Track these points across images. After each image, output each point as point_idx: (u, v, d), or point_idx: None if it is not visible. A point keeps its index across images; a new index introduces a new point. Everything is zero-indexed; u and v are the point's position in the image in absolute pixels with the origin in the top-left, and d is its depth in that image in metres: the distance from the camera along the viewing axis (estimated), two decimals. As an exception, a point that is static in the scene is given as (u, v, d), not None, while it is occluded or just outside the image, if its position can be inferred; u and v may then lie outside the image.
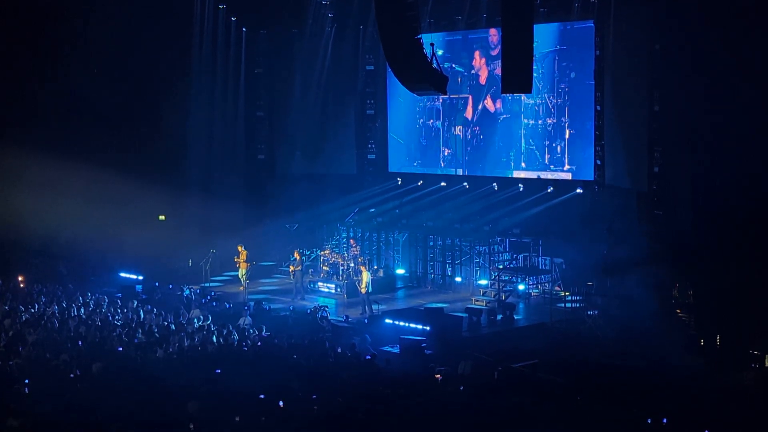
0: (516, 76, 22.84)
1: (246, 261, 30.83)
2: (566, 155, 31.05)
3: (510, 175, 32.73)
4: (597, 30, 29.54)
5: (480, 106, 33.40)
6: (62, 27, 31.49)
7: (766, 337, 21.87)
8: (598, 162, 29.95)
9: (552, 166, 31.47)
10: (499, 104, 32.78)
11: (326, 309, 26.73)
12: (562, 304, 27.86)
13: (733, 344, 22.58)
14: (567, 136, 30.98)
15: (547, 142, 31.65)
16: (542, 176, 31.78)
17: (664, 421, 15.95)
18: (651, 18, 26.78)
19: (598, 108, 29.77)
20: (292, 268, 30.57)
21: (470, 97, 33.70)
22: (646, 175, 27.41)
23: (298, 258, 30.55)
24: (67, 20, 31.57)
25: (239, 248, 31.05)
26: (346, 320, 26.41)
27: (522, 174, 32.35)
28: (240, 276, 31.06)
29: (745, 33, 23.85)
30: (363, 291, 28.32)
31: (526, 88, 23.42)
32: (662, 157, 26.83)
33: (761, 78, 23.51)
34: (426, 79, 23.36)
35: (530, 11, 22.65)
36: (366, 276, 28.47)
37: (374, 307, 27.56)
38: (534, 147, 31.96)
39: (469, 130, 33.75)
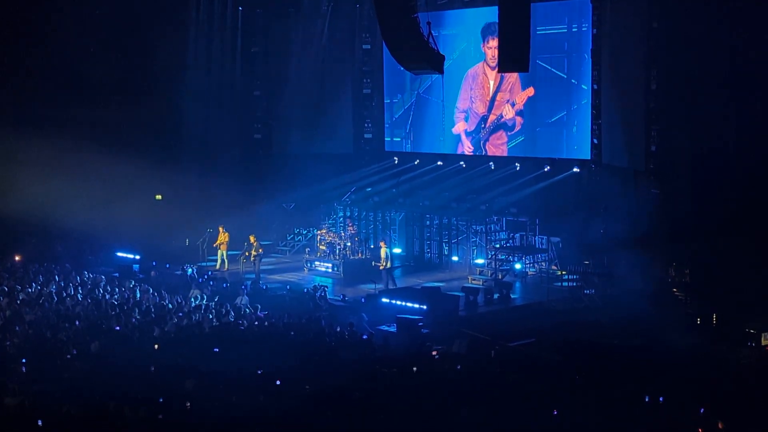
0: (512, 55, 22.79)
1: (226, 243, 30.85)
2: (579, 135, 30.80)
3: (521, 155, 32.52)
4: (594, 8, 29.42)
5: (491, 84, 33.19)
6: (55, 2, 31.33)
7: (762, 315, 21.92)
8: (595, 141, 29.91)
9: (566, 145, 31.30)
10: (510, 83, 32.47)
11: (325, 289, 26.79)
12: (559, 283, 27.89)
13: (730, 322, 22.63)
14: (581, 115, 30.76)
15: (560, 121, 31.43)
16: (556, 156, 31.53)
17: (661, 399, 15.99)
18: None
19: (595, 87, 29.69)
20: (253, 252, 30.30)
21: (480, 75, 33.50)
22: (643, 154, 27.39)
23: (254, 242, 30.40)
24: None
25: (220, 229, 31.06)
26: (343, 299, 26.45)
27: (540, 153, 32.01)
28: (219, 257, 31.03)
29: (743, 11, 23.82)
30: (382, 267, 28.49)
31: (523, 67, 23.36)
32: (659, 135, 26.80)
33: (760, 56, 23.49)
34: (422, 57, 23.31)
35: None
36: (384, 251, 28.66)
37: (371, 286, 27.54)
38: (546, 127, 31.79)
39: (480, 110, 33.55)
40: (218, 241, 31.08)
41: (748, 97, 24.17)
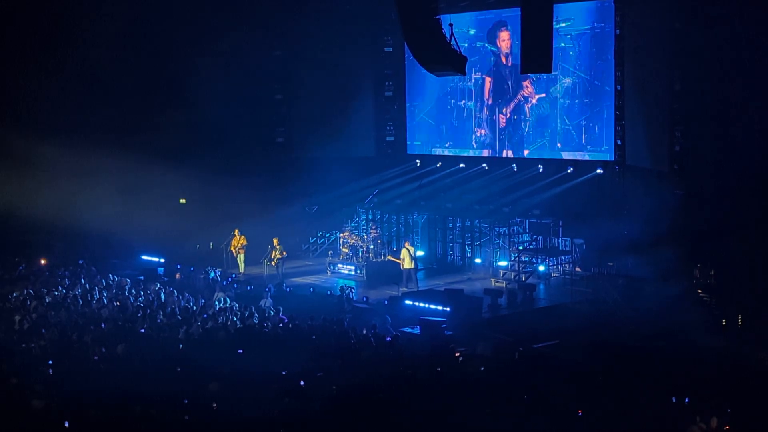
0: (535, 56, 22.76)
1: (243, 246, 31.03)
2: (604, 135, 30.70)
3: (545, 156, 32.42)
4: (617, 8, 29.34)
5: (513, 86, 33.19)
6: (79, 6, 31.50)
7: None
8: (619, 142, 29.80)
9: (589, 146, 31.18)
10: (533, 84, 32.50)
11: (352, 289, 26.91)
12: (583, 286, 27.81)
13: (755, 324, 22.50)
14: (605, 115, 30.54)
15: (584, 122, 31.34)
16: (579, 157, 31.40)
17: (686, 400, 15.93)
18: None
19: (618, 88, 29.60)
20: (275, 254, 30.49)
21: (503, 77, 33.48)
22: (666, 155, 27.28)
23: (277, 245, 30.55)
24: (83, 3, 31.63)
25: (235, 233, 31.15)
26: (367, 301, 26.48)
27: (564, 154, 31.88)
28: (239, 261, 31.16)
29: (763, 10, 23.67)
30: (407, 267, 28.64)
31: (546, 68, 23.32)
32: (683, 136, 26.68)
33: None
34: (445, 59, 23.31)
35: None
36: (406, 252, 28.82)
37: (397, 289, 27.57)
38: (570, 127, 31.75)
39: (504, 111, 33.54)
40: (234, 245, 31.20)
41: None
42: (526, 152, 32.97)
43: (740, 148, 24.69)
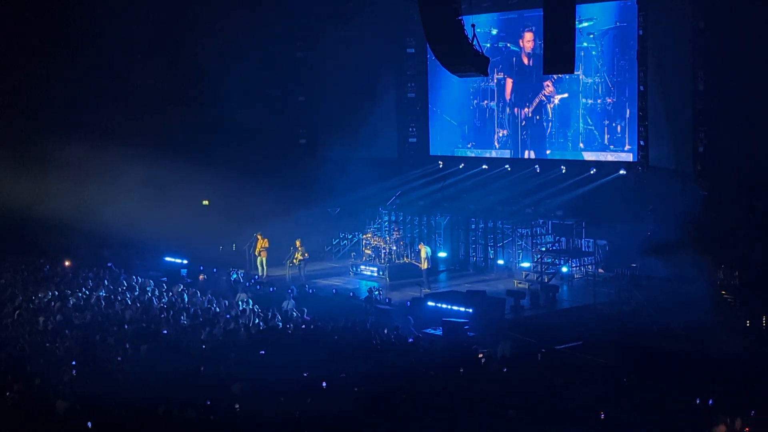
0: (558, 56, 22.69)
1: (265, 249, 31.03)
2: (627, 135, 30.64)
3: (567, 157, 32.34)
4: (640, 8, 29.23)
5: (535, 86, 33.11)
6: (106, 8, 31.67)
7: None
8: (642, 143, 29.68)
9: (612, 146, 31.12)
10: (555, 84, 32.42)
11: (381, 291, 26.97)
12: (606, 287, 27.70)
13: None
14: (628, 115, 30.55)
15: (606, 122, 31.25)
16: (602, 157, 31.33)
17: (710, 402, 15.83)
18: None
19: (641, 88, 29.48)
20: (298, 256, 30.58)
21: (526, 77, 33.41)
22: (690, 155, 27.14)
23: (300, 246, 30.62)
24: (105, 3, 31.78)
25: (258, 236, 31.25)
26: (389, 303, 26.48)
27: (586, 155, 31.86)
28: (259, 264, 31.20)
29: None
30: (423, 267, 28.78)
31: (569, 68, 23.24)
32: (707, 137, 26.53)
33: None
34: (467, 60, 23.27)
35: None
36: (424, 252, 28.98)
37: (417, 289, 27.61)
38: (593, 127, 31.64)
39: (526, 111, 33.49)
40: (257, 248, 31.27)
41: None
42: (548, 152, 32.89)
43: (764, 149, 24.53)
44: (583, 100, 31.75)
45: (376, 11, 34.25)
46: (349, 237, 34.54)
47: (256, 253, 31.30)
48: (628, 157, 30.48)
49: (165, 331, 21.28)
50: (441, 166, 36.08)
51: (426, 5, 22.92)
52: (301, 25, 34.82)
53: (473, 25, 23.05)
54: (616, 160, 30.86)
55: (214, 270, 30.08)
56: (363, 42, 34.74)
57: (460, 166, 35.32)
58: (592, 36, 31.01)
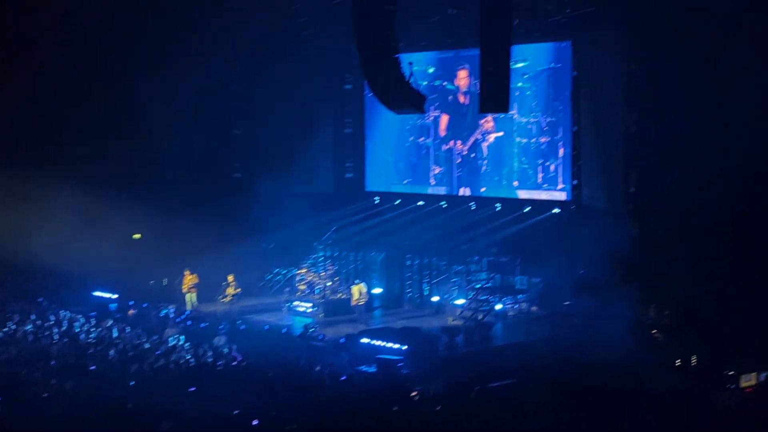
0: (493, 95, 22.89)
1: (194, 285, 30.70)
2: (560, 174, 30.96)
3: (502, 195, 32.57)
4: (574, 50, 29.67)
5: (471, 124, 33.33)
6: (35, 35, 31.24)
7: (741, 357, 21.90)
8: (575, 182, 30.01)
9: (546, 185, 31.40)
10: (491, 122, 32.70)
11: (317, 328, 26.77)
12: (539, 325, 27.83)
13: (709, 364, 22.60)
14: (561, 154, 30.89)
15: (540, 161, 31.55)
16: (535, 196, 31.60)
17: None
18: (627, 38, 26.94)
19: (575, 128, 29.86)
20: (230, 291, 30.31)
21: (461, 115, 33.63)
22: (622, 195, 27.51)
23: (232, 281, 30.36)
24: (37, 29, 31.32)
25: (186, 272, 30.90)
26: (323, 339, 26.30)
27: (520, 193, 32.10)
28: (188, 300, 30.80)
29: (719, 54, 24.05)
30: (357, 303, 29.03)
31: (503, 107, 23.46)
32: (638, 177, 26.93)
33: (737, 98, 23.70)
34: (405, 97, 23.37)
35: (507, 30, 22.69)
36: (357, 290, 29.15)
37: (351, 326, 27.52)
38: (527, 166, 31.91)
39: (462, 148, 33.67)
40: (185, 285, 30.86)
41: (726, 139, 24.33)
42: (483, 190, 33.09)
43: (694, 190, 24.96)
44: (518, 139, 32.04)
45: (315, 47, 34.27)
46: (283, 272, 34.29)
47: (184, 290, 30.88)
48: (562, 195, 30.80)
49: (93, 367, 20.86)
50: (377, 201, 36.08)
51: (364, 43, 23.00)
52: (239, 57, 34.66)
53: (410, 63, 23.17)
54: (549, 198, 31.15)
55: (145, 305, 29.63)
56: (301, 76, 34.68)
57: (396, 202, 35.36)
58: (526, 76, 31.36)
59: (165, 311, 28.73)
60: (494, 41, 22.60)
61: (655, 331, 25.60)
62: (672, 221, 25.75)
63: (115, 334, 24.82)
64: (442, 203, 34.06)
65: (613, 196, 28.10)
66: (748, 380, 20.86)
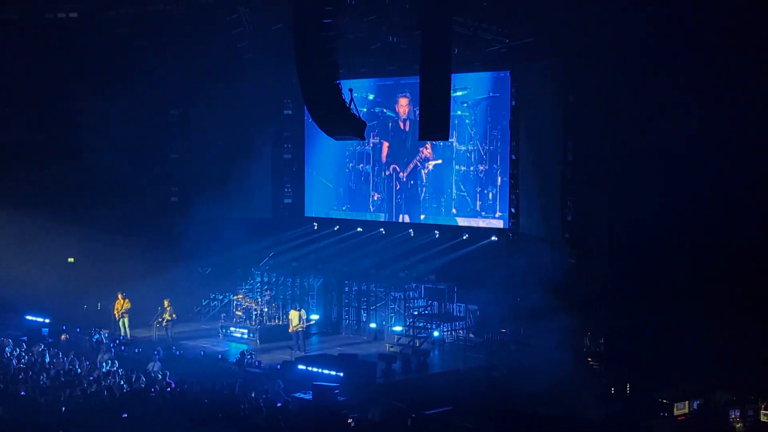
0: (433, 123, 23.02)
1: (127, 310, 30.33)
2: (498, 202, 31.16)
3: (441, 222, 32.63)
4: (513, 80, 29.99)
5: (410, 152, 33.46)
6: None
7: (674, 385, 22.17)
8: (513, 210, 30.25)
9: (483, 213, 31.57)
10: (430, 149, 32.84)
11: (253, 355, 26.56)
12: (476, 352, 27.93)
13: (643, 393, 22.83)
14: (499, 182, 31.11)
15: (478, 189, 31.73)
16: (473, 223, 31.75)
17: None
18: (564, 70, 27.30)
19: (513, 157, 30.13)
20: (166, 316, 30.02)
21: (401, 142, 33.75)
22: (559, 224, 27.77)
23: (168, 306, 30.11)
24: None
25: (119, 296, 30.52)
26: (259, 366, 26.09)
27: (459, 220, 32.15)
28: (121, 325, 30.40)
29: (654, 85, 24.48)
30: (296, 329, 28.82)
31: (443, 135, 23.60)
32: (575, 206, 27.22)
33: (671, 127, 24.11)
34: (344, 124, 23.40)
35: (447, 59, 22.87)
36: (295, 315, 29.01)
37: (288, 352, 27.35)
38: (465, 193, 32.07)
39: (401, 175, 33.76)
40: (117, 309, 30.43)
41: (661, 168, 24.72)
42: (422, 217, 33.18)
43: (630, 220, 25.29)
44: (457, 167, 32.23)
45: (255, 71, 34.16)
46: (220, 298, 34.00)
47: (116, 315, 30.44)
48: (499, 223, 31.01)
49: (23, 393, 20.45)
50: (316, 227, 35.95)
51: (304, 68, 23.01)
52: (178, 81, 34.43)
53: (351, 90, 23.21)
54: (487, 226, 31.33)
55: (78, 330, 29.15)
56: (240, 101, 34.49)
57: (335, 228, 35.27)
58: (465, 105, 31.59)
59: (97, 336, 28.26)
60: (434, 69, 22.76)
61: (590, 359, 25.83)
62: (607, 250, 26.04)
63: (47, 359, 24.36)
64: (381, 230, 34.04)
65: (550, 224, 28.35)
66: (681, 409, 21.11)
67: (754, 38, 22.82)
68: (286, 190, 36.89)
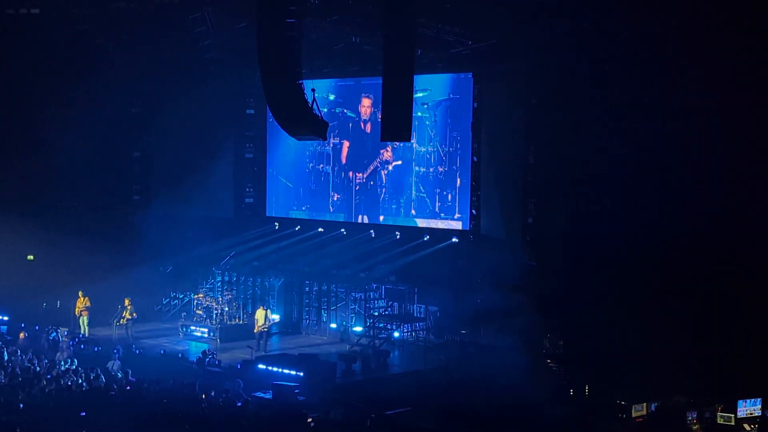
0: (395, 124, 23.07)
1: (86, 308, 30.16)
2: (457, 203, 31.30)
3: (399, 223, 32.75)
4: (476, 82, 30.12)
5: (371, 152, 33.51)
6: None
7: (632, 387, 22.38)
8: (474, 212, 30.40)
9: (443, 214, 31.69)
10: (390, 151, 32.94)
11: (215, 354, 26.47)
12: (436, 353, 28.03)
13: (601, 394, 23.04)
14: (458, 184, 31.25)
15: (438, 190, 31.87)
16: (432, 224, 31.86)
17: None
18: (527, 73, 27.47)
19: (475, 159, 30.27)
20: (126, 315, 29.88)
21: (362, 143, 33.79)
22: (520, 226, 27.94)
23: (128, 305, 29.98)
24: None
25: (79, 294, 30.36)
26: (219, 365, 26.03)
27: (418, 221, 32.32)
28: (81, 323, 30.22)
29: (617, 90, 24.74)
30: (261, 329, 28.84)
31: (405, 137, 23.66)
32: (536, 208, 27.40)
33: (631, 133, 24.38)
34: (306, 124, 23.38)
35: (410, 60, 22.92)
36: (261, 314, 28.99)
37: (248, 351, 27.30)
38: (425, 194, 32.18)
39: (361, 176, 33.81)
40: (78, 307, 30.26)
41: (623, 170, 24.97)
42: (381, 218, 33.27)
43: (590, 222, 25.51)
44: (416, 168, 32.35)
45: (218, 70, 34.05)
46: (180, 297, 33.88)
47: (76, 313, 30.27)
48: (458, 225, 31.16)
49: (-20, 391, 20.29)
50: (277, 227, 35.91)
51: (267, 68, 22.95)
52: (140, 80, 34.22)
53: (313, 90, 23.21)
54: (446, 227, 31.46)
55: (36, 327, 28.92)
56: (202, 100, 34.32)
57: (296, 228, 35.24)
58: (426, 106, 31.70)
59: (54, 334, 28.04)
60: (397, 71, 22.81)
61: (549, 360, 26.01)
62: (567, 252, 26.24)
63: (5, 357, 24.16)
64: (342, 230, 34.07)
65: (511, 226, 28.53)
66: (639, 410, 21.32)
67: (713, 41, 23.15)
68: (247, 189, 36.85)
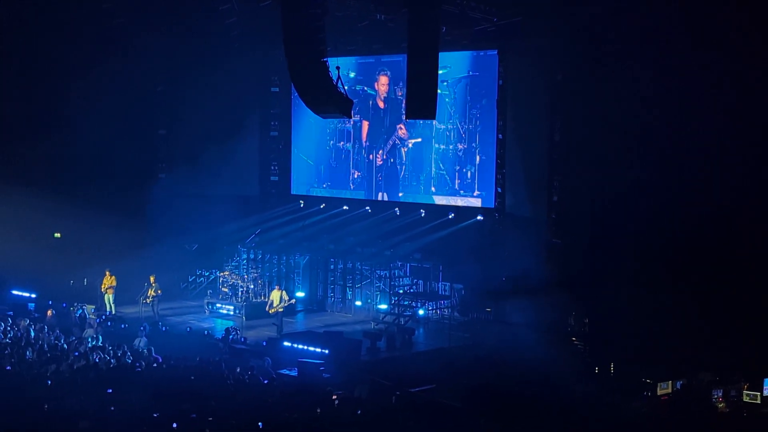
0: (420, 102, 23.03)
1: (112, 287, 30.37)
2: (476, 181, 31.25)
3: (419, 200, 32.70)
4: (501, 59, 29.96)
5: (389, 130, 33.48)
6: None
7: (658, 365, 22.33)
8: (499, 190, 30.32)
9: (462, 191, 31.65)
10: (405, 128, 32.88)
11: (238, 331, 26.59)
12: (461, 330, 28.05)
13: (627, 372, 23.00)
14: (477, 161, 31.18)
15: (457, 168, 31.81)
16: (452, 202, 31.84)
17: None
18: (553, 49, 27.30)
19: (500, 136, 30.15)
20: (151, 292, 30.01)
21: (380, 120, 33.75)
22: (545, 204, 27.87)
23: (153, 283, 30.12)
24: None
25: (107, 272, 30.55)
26: (245, 342, 26.17)
27: (437, 198, 32.28)
28: (106, 301, 30.46)
29: (640, 66, 24.54)
30: (276, 310, 28.52)
31: (430, 114, 23.62)
32: (561, 186, 27.30)
33: (659, 107, 24.18)
34: (331, 102, 23.40)
35: (435, 38, 22.88)
36: (276, 295, 28.72)
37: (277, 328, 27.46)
38: (444, 172, 32.13)
39: (380, 153, 33.80)
40: (104, 285, 30.47)
41: (648, 150, 24.80)
42: (400, 195, 33.24)
43: (616, 200, 25.40)
44: (436, 146, 32.29)
45: (243, 48, 34.08)
46: (206, 274, 34.04)
47: (102, 291, 30.49)
48: (477, 202, 31.13)
49: (8, 367, 20.47)
50: (302, 205, 35.97)
51: (291, 46, 22.95)
52: (165, 58, 34.29)
53: (338, 68, 23.18)
54: (465, 205, 31.41)
55: (64, 305, 29.15)
56: (228, 79, 34.38)
57: (321, 206, 35.30)
58: (445, 83, 31.53)
59: (80, 311, 28.27)
60: (422, 48, 22.77)
61: (574, 338, 25.98)
62: (593, 230, 26.15)
63: (32, 334, 24.37)
64: (367, 208, 34.08)
65: (536, 204, 28.45)
66: (665, 388, 21.26)
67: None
68: (272, 167, 36.92)
